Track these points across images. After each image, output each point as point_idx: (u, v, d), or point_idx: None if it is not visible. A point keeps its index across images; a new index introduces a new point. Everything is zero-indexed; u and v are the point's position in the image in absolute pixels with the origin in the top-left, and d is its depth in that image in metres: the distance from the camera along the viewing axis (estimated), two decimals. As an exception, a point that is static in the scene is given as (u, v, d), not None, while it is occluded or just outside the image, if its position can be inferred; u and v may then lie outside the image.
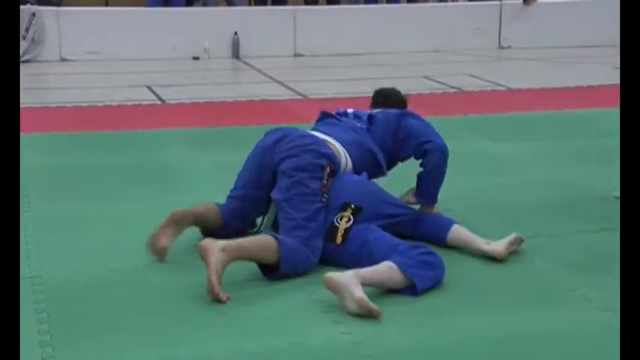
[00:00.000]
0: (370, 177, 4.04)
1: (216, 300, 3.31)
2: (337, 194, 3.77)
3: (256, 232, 3.90)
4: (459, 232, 3.86)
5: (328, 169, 3.76)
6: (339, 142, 3.97)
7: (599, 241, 4.07)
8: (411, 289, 3.40)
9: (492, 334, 3.12)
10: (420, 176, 4.08)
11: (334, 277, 3.25)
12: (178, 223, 3.81)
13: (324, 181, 3.73)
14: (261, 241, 3.54)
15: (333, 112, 4.28)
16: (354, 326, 3.14)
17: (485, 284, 3.57)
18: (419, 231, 3.90)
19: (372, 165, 4.06)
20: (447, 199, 4.46)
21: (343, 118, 4.21)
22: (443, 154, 4.03)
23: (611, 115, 5.72)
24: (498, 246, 3.75)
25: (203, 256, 3.37)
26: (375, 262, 3.46)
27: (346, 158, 3.95)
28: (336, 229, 3.69)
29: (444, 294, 3.46)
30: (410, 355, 2.97)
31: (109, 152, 5.69)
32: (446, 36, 10.64)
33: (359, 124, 4.14)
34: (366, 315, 3.18)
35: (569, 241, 4.08)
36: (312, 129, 4.11)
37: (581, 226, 4.25)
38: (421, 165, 4.07)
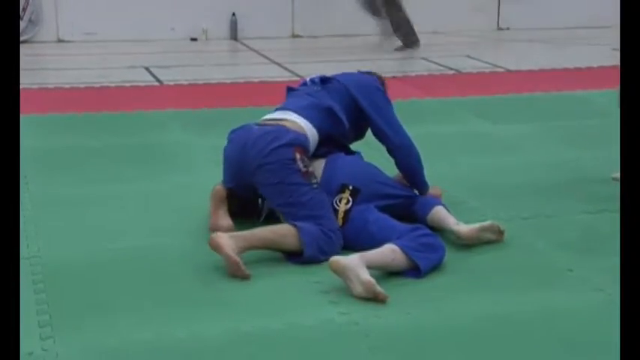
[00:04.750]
0: (335, 135, 3.98)
1: (240, 275, 3.34)
2: (333, 176, 3.77)
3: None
4: (437, 212, 3.84)
5: (299, 155, 3.68)
6: (295, 112, 3.88)
7: (596, 222, 4.08)
8: (414, 272, 3.41)
9: (489, 314, 3.13)
10: (401, 173, 4.06)
11: (340, 260, 3.26)
12: (224, 199, 3.81)
13: (304, 169, 3.67)
14: (278, 229, 3.54)
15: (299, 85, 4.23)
16: (351, 307, 3.15)
17: (482, 266, 3.57)
18: (409, 211, 3.89)
19: (332, 122, 3.94)
20: (445, 180, 4.47)
21: (302, 87, 4.15)
22: (405, 150, 3.98)
23: (609, 96, 5.72)
24: (465, 227, 3.73)
25: (214, 245, 3.39)
26: (376, 243, 3.47)
27: (309, 128, 3.84)
28: (336, 211, 3.69)
29: (442, 275, 3.47)
30: (407, 335, 2.98)
31: (106, 133, 5.69)
32: (444, 17, 10.61)
33: (315, 88, 4.07)
34: (372, 298, 3.19)
35: (566, 222, 4.09)
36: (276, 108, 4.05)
37: (578, 208, 4.26)
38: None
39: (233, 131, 3.93)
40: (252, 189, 3.80)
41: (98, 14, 9.68)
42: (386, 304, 3.18)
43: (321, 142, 3.92)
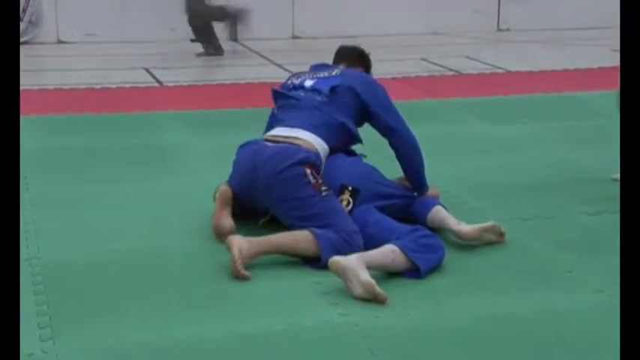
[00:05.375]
0: (349, 147, 3.99)
1: (237, 276, 3.35)
2: (332, 177, 3.76)
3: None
4: (437, 212, 3.83)
5: (309, 170, 3.65)
6: (307, 130, 3.81)
7: (596, 223, 4.08)
8: (414, 273, 3.41)
9: (489, 315, 3.13)
10: (404, 171, 4.04)
11: (340, 260, 3.25)
12: (229, 200, 3.78)
13: (313, 180, 3.65)
14: (295, 234, 3.54)
15: (286, 87, 4.08)
16: (351, 308, 3.15)
17: (482, 266, 3.57)
18: (409, 212, 3.87)
19: (346, 138, 3.95)
20: (446, 181, 4.47)
21: (300, 95, 4.01)
22: (409, 144, 3.96)
23: (609, 97, 5.71)
24: (467, 227, 3.73)
25: (227, 243, 3.42)
26: (377, 244, 3.47)
27: (320, 145, 3.81)
28: None
29: (441, 276, 3.46)
30: (407, 336, 2.98)
31: (106, 135, 5.68)
32: (444, 18, 10.61)
33: (319, 98, 3.94)
34: (372, 299, 3.19)
35: (566, 223, 4.08)
36: (276, 119, 3.98)
37: (578, 209, 4.26)
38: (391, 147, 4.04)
39: (242, 146, 3.89)
40: (261, 205, 3.78)
41: (98, 15, 9.67)
42: (386, 304, 3.18)
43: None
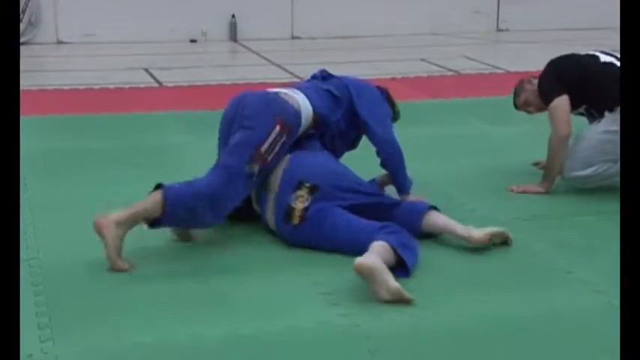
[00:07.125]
0: (329, 116, 4.00)
1: (119, 270, 3.44)
2: (292, 172, 3.72)
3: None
4: (435, 217, 3.76)
5: (278, 127, 3.74)
6: (294, 90, 3.97)
7: (595, 223, 4.08)
8: (402, 270, 3.39)
9: (489, 315, 3.13)
10: (385, 168, 4.06)
11: (366, 262, 3.19)
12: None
13: (265, 154, 3.71)
14: (153, 201, 3.63)
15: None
16: (351, 309, 3.15)
17: (483, 267, 3.57)
18: (394, 218, 3.74)
19: (329, 102, 4.01)
20: (445, 181, 4.47)
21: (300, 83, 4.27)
22: (389, 147, 3.97)
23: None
24: (478, 233, 3.67)
25: (98, 231, 3.49)
26: (337, 244, 3.49)
27: (303, 102, 3.90)
28: (293, 210, 3.65)
29: (441, 277, 3.46)
30: (408, 336, 2.98)
31: (106, 135, 5.69)
32: (444, 18, 10.63)
33: (315, 81, 4.16)
34: (399, 301, 3.16)
35: (566, 223, 4.09)
36: None
37: (578, 209, 4.26)
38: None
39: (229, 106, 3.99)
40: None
41: (97, 16, 9.69)
42: (386, 305, 3.17)
43: (317, 126, 3.96)
